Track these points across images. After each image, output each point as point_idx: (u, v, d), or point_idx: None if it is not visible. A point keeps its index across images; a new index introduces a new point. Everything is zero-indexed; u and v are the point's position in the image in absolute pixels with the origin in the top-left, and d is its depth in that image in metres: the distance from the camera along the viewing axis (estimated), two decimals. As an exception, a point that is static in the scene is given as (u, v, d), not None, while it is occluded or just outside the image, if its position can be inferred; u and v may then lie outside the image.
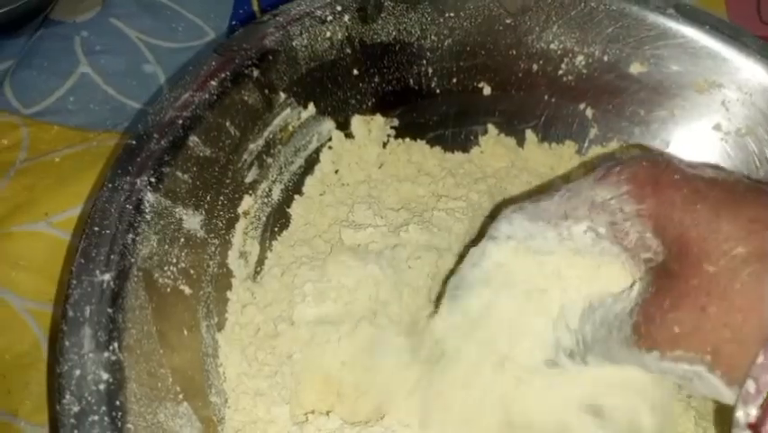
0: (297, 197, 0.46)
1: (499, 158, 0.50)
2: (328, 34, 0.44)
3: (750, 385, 0.25)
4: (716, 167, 0.31)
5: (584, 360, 0.33)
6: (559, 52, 0.48)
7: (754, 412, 0.25)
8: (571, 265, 0.34)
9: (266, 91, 0.42)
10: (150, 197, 0.35)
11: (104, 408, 0.28)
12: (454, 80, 0.49)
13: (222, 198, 0.40)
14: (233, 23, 0.66)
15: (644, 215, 0.30)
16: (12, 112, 0.57)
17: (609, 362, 0.32)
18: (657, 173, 0.30)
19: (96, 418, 0.28)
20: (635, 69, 0.47)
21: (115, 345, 0.30)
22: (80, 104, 0.58)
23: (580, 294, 0.34)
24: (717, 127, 0.46)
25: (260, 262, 0.43)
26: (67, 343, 0.29)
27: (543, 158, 0.50)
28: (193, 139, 0.38)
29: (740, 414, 0.26)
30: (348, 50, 0.46)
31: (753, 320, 0.26)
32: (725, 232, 0.27)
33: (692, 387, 0.28)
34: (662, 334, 0.28)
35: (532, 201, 0.35)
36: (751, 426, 0.25)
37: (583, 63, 0.48)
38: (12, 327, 0.46)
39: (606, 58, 0.47)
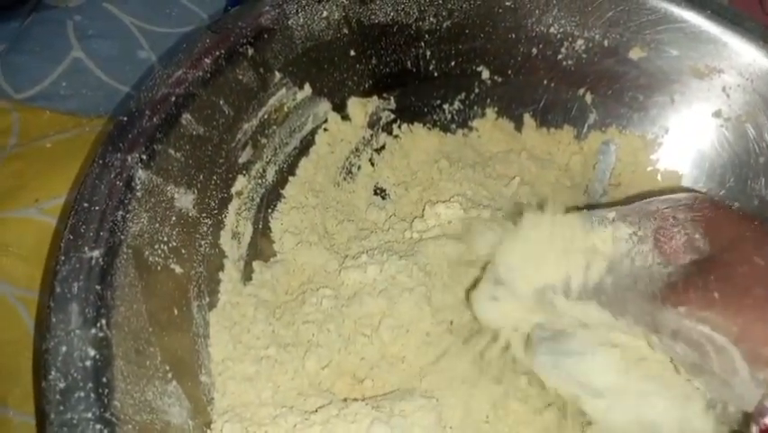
0: (291, 178, 0.45)
1: (497, 142, 0.50)
2: (325, 14, 0.44)
3: None
4: None
5: (580, 306, 0.34)
6: (559, 36, 0.47)
7: None
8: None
9: (261, 70, 0.42)
10: (141, 174, 0.34)
11: (90, 384, 0.28)
12: (452, 63, 0.49)
13: (215, 177, 0.39)
14: (228, 8, 0.65)
15: (698, 219, 0.32)
16: (3, 97, 0.56)
17: (613, 313, 0.33)
18: (717, 200, 0.34)
19: (83, 394, 0.27)
20: (636, 53, 0.46)
21: (103, 321, 0.30)
22: (73, 89, 0.57)
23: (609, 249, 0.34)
24: (717, 113, 0.46)
25: (254, 243, 0.42)
26: (54, 319, 0.29)
27: (541, 142, 0.50)
28: (186, 117, 0.37)
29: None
30: (345, 31, 0.45)
31: None
32: None
33: (706, 363, 0.29)
34: (700, 295, 0.29)
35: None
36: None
37: (583, 48, 0.47)
38: (1, 314, 0.45)
39: (606, 42, 0.47)
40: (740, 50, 0.44)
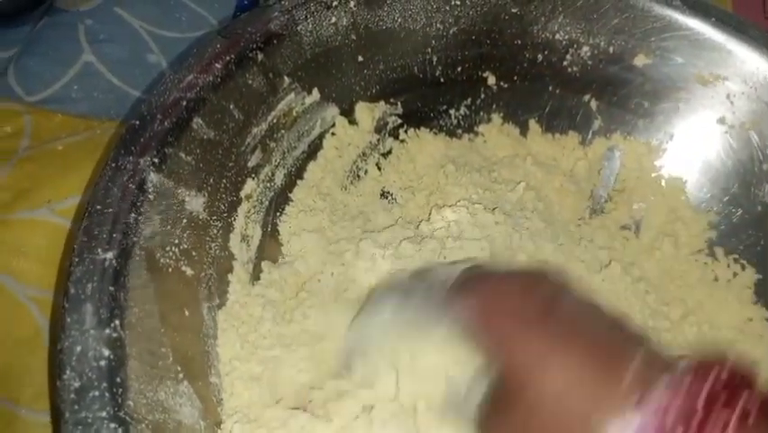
0: (299, 182, 0.46)
1: (503, 147, 0.50)
2: (333, 20, 0.44)
3: None
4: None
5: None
6: (564, 43, 0.48)
7: None
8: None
9: (270, 75, 0.42)
10: (153, 177, 0.35)
11: (104, 384, 0.28)
12: (459, 69, 0.49)
13: (224, 180, 0.40)
14: (238, 13, 0.66)
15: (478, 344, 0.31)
16: (15, 99, 0.56)
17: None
18: (489, 303, 0.31)
19: (97, 393, 0.28)
20: (640, 60, 0.47)
21: (117, 322, 0.30)
22: (84, 92, 0.58)
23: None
24: (722, 120, 0.46)
25: (263, 246, 0.43)
26: (68, 319, 0.29)
27: (546, 148, 0.50)
28: (197, 121, 0.38)
29: None
30: (353, 36, 0.45)
31: None
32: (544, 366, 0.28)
33: None
34: None
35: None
36: None
37: (588, 54, 0.48)
38: (13, 314, 0.45)
39: (611, 49, 0.47)
40: (744, 57, 0.44)
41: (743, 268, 0.46)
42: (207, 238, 0.38)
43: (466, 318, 0.32)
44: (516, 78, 0.50)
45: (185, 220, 0.36)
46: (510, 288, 0.32)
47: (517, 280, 0.32)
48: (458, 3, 0.46)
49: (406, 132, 0.50)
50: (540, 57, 0.49)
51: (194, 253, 0.37)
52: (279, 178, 0.44)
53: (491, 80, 0.50)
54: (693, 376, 0.26)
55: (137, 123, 0.36)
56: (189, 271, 0.36)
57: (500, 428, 0.30)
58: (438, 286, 0.34)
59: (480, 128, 0.51)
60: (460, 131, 0.51)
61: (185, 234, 0.36)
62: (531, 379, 0.28)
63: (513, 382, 0.29)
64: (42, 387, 0.43)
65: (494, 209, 0.44)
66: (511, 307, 0.31)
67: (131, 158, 0.35)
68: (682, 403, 0.25)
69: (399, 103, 0.49)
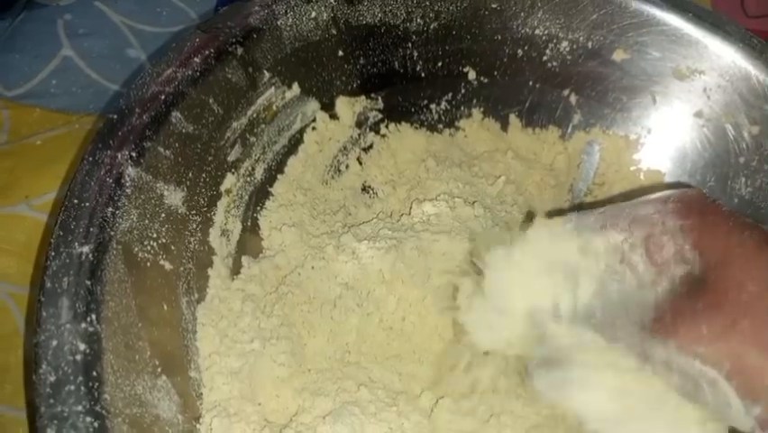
0: (279, 176, 0.46)
1: (483, 142, 0.50)
2: (313, 14, 0.44)
3: (762, 411, 0.26)
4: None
5: (570, 330, 0.33)
6: (544, 38, 0.48)
7: None
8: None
9: (250, 69, 0.42)
10: (130, 171, 0.35)
11: (80, 378, 0.28)
12: (439, 64, 0.49)
13: (204, 175, 0.40)
14: (218, 8, 0.66)
15: (687, 229, 0.31)
16: (-7, 94, 0.56)
17: (606, 339, 0.32)
18: (706, 202, 0.32)
19: (73, 387, 0.28)
20: (619, 55, 0.47)
21: (93, 316, 0.30)
22: (63, 87, 0.58)
23: (598, 267, 0.33)
24: (699, 114, 0.47)
25: (243, 240, 0.43)
26: (44, 313, 0.29)
27: (526, 142, 0.51)
28: (175, 115, 0.38)
29: None
30: (333, 31, 0.45)
31: None
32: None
33: (698, 394, 0.29)
34: (689, 329, 0.29)
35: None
36: None
37: (567, 49, 0.48)
38: (-9, 310, 0.45)
39: (590, 44, 0.48)
40: (721, 52, 0.45)
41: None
42: (186, 233, 0.38)
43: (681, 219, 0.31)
44: (496, 72, 0.50)
45: (163, 214, 0.36)
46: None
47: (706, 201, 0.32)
48: (438, -2, 0.47)
49: (387, 126, 0.50)
50: (520, 52, 0.49)
51: (173, 248, 0.37)
52: (260, 172, 0.44)
53: (472, 75, 0.50)
54: None
55: (115, 117, 0.36)
56: (168, 266, 0.36)
57: (698, 307, 0.29)
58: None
59: (461, 123, 0.51)
60: (441, 126, 0.51)
61: (163, 229, 0.36)
62: (745, 277, 0.28)
63: (721, 281, 0.29)
64: (21, 384, 0.43)
65: (474, 203, 0.44)
66: (724, 207, 0.31)
67: (108, 152, 0.34)
68: None
69: (380, 98, 0.49)
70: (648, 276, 0.31)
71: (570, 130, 0.51)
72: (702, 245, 0.30)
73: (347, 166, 0.49)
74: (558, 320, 0.33)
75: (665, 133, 0.48)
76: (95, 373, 0.29)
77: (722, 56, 0.45)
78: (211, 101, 0.40)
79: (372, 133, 0.50)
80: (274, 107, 0.44)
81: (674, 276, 0.30)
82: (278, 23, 0.43)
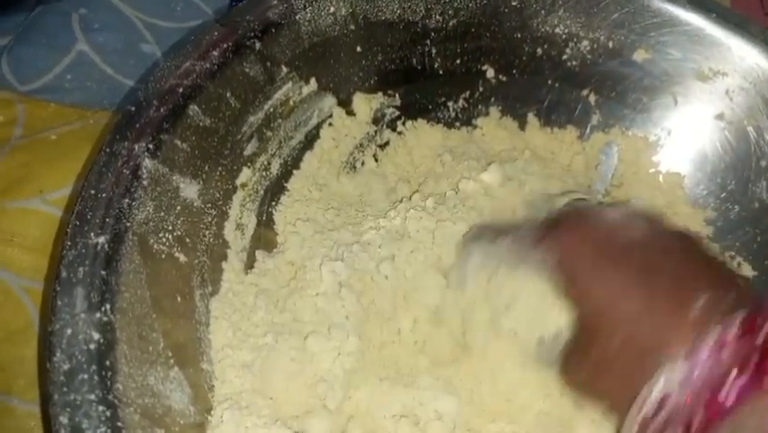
0: (295, 171, 0.46)
1: (501, 140, 0.50)
2: (332, 9, 0.44)
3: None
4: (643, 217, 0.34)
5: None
6: (564, 37, 0.48)
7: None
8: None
9: (268, 64, 0.42)
10: (147, 163, 0.35)
11: (93, 367, 0.28)
12: (458, 61, 0.49)
13: (220, 168, 0.40)
14: (233, 3, 0.65)
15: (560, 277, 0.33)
16: (8, 88, 0.56)
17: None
18: (574, 239, 0.34)
19: (86, 376, 0.28)
20: (640, 55, 0.47)
21: (108, 306, 0.30)
22: (77, 81, 0.58)
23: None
24: (720, 116, 0.46)
25: (257, 235, 0.43)
26: (59, 302, 0.29)
27: (544, 142, 0.50)
28: (193, 108, 0.38)
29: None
30: (352, 27, 0.45)
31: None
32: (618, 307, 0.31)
33: None
34: (573, 378, 0.33)
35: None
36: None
37: (588, 49, 0.48)
38: (6, 304, 0.45)
39: (611, 44, 0.47)
40: (744, 53, 0.44)
41: (739, 265, 0.46)
42: (201, 226, 0.38)
43: (551, 260, 0.34)
44: (515, 71, 0.50)
45: (179, 207, 0.36)
46: (594, 228, 0.34)
47: (602, 220, 0.34)
48: (458, -6, 0.46)
49: (403, 124, 0.50)
50: (539, 50, 0.49)
51: (187, 240, 0.37)
52: (275, 167, 0.44)
53: (490, 73, 0.50)
54: (752, 320, 0.27)
55: (133, 109, 0.36)
56: (183, 258, 0.36)
57: (580, 365, 0.32)
58: (526, 230, 0.36)
59: (479, 121, 0.51)
60: (458, 123, 0.51)
61: (179, 221, 0.36)
62: (606, 315, 0.31)
63: (590, 320, 0.32)
64: (34, 377, 0.43)
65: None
66: (592, 248, 0.33)
67: (126, 143, 0.35)
68: (738, 344, 0.26)
69: (397, 94, 0.49)
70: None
71: (588, 130, 0.50)
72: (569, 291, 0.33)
73: (363, 163, 0.49)
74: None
75: (686, 135, 0.48)
76: (108, 363, 0.29)
77: (745, 58, 0.44)
78: (228, 95, 0.40)
79: (389, 130, 0.50)
80: (291, 102, 0.44)
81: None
82: (297, 17, 0.43)
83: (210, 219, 0.39)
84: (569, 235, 0.34)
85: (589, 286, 0.32)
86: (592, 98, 0.49)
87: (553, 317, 0.34)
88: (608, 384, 0.31)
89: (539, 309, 0.35)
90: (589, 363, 0.32)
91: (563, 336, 0.34)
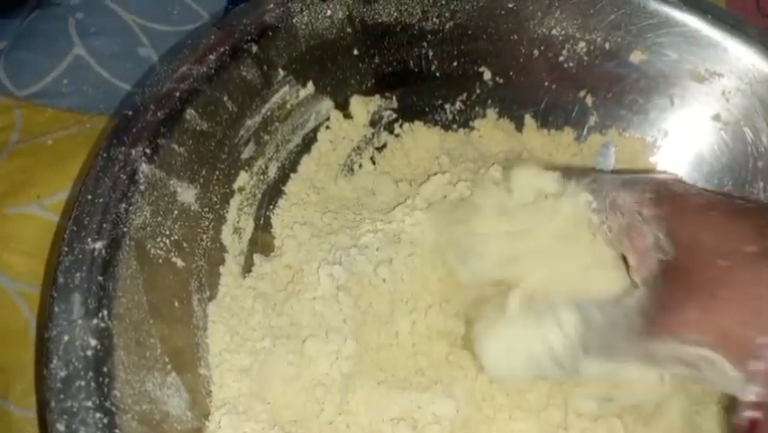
0: (293, 175, 0.46)
1: (498, 142, 0.50)
2: (329, 12, 0.44)
3: (755, 364, 0.28)
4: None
5: (575, 366, 0.35)
6: (560, 38, 0.48)
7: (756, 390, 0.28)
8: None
9: (265, 67, 0.42)
10: (144, 167, 0.35)
11: (91, 373, 0.28)
12: (455, 64, 0.49)
13: (217, 172, 0.40)
14: (230, 7, 0.65)
15: (661, 218, 0.33)
16: (5, 93, 0.56)
17: (608, 359, 0.34)
18: (676, 189, 0.35)
19: (83, 383, 0.28)
20: (636, 57, 0.47)
21: (105, 312, 0.30)
22: (74, 86, 0.57)
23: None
24: (716, 117, 0.46)
25: (255, 239, 0.43)
26: (56, 309, 0.29)
27: (541, 143, 0.50)
28: (190, 112, 0.38)
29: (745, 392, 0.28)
30: (348, 30, 0.45)
31: (761, 308, 0.28)
32: (736, 234, 0.31)
33: (701, 375, 0.30)
34: (676, 319, 0.31)
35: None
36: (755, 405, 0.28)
37: (584, 50, 0.48)
38: (2, 309, 0.45)
39: (607, 45, 0.47)
40: (740, 54, 0.44)
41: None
42: (199, 230, 0.38)
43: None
44: (511, 73, 0.50)
45: (176, 211, 0.36)
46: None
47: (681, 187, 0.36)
48: (454, -3, 0.46)
49: (401, 126, 0.50)
50: (536, 52, 0.48)
51: (185, 245, 0.37)
52: (273, 171, 0.44)
53: (487, 75, 0.50)
54: None
55: (129, 113, 0.36)
56: (180, 263, 0.36)
57: (678, 294, 0.31)
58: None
59: (476, 123, 0.51)
60: (455, 126, 0.51)
61: (176, 226, 0.36)
62: (714, 254, 0.31)
63: (694, 263, 0.31)
64: (31, 383, 0.43)
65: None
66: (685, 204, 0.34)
67: (123, 148, 0.35)
68: None
69: (394, 97, 0.49)
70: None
71: (585, 131, 0.50)
72: (674, 232, 0.33)
73: (360, 165, 0.49)
74: (559, 363, 0.35)
75: (682, 137, 0.48)
76: (105, 369, 0.29)
77: (741, 59, 0.44)
78: (225, 99, 0.40)
79: (386, 133, 0.50)
80: (288, 106, 0.44)
81: (653, 266, 0.33)
82: (294, 21, 0.43)
83: (207, 223, 0.39)
84: (668, 180, 0.36)
85: (698, 218, 0.33)
86: (589, 100, 0.49)
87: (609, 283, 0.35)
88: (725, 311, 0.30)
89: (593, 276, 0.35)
90: (702, 293, 0.31)
91: (630, 300, 0.33)
